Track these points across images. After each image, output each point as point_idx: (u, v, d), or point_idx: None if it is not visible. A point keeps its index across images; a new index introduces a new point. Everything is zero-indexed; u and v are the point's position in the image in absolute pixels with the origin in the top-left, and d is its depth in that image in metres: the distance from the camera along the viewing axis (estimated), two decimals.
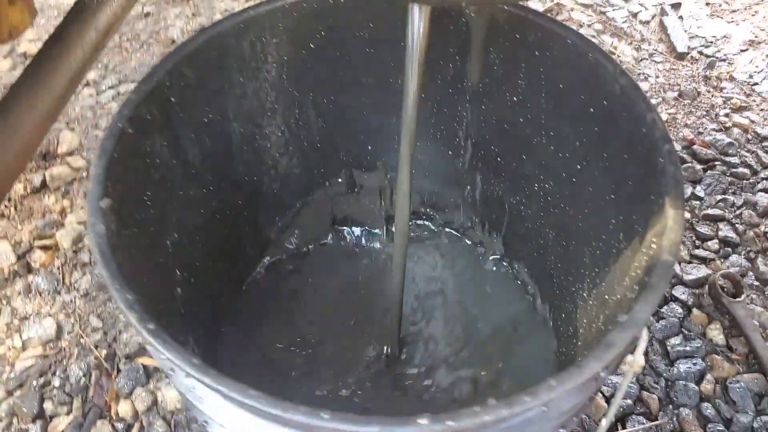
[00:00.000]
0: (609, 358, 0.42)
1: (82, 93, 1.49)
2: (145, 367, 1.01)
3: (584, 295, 0.74)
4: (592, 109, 0.66)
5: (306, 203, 0.95)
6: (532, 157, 0.79)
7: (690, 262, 1.13)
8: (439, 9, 0.69)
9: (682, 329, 1.05)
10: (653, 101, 1.39)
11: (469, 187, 0.92)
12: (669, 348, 1.02)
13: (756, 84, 1.43)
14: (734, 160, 1.29)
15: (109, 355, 1.03)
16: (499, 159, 0.84)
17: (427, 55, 0.59)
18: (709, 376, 0.98)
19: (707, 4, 1.61)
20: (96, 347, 1.04)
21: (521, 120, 0.77)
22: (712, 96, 1.41)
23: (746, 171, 1.27)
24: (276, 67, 0.75)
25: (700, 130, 1.34)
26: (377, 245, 0.99)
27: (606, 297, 0.65)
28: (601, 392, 0.95)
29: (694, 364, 1.00)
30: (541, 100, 0.73)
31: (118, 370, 1.01)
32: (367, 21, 0.74)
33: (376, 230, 1.00)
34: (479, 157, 0.87)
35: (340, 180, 0.96)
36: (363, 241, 0.99)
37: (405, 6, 0.51)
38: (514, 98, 0.76)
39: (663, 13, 1.57)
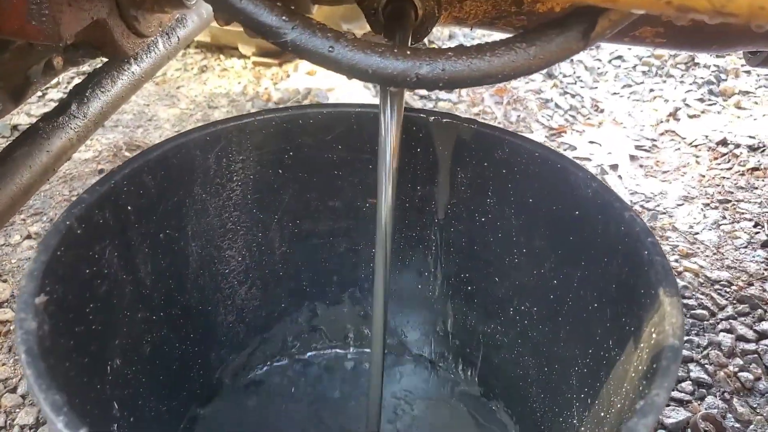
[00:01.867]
0: None
1: (21, 245, 1.42)
2: None
3: (575, 422, 0.67)
4: (564, 219, 0.65)
5: (264, 341, 0.87)
6: (506, 278, 0.76)
7: (668, 405, 1.08)
8: (407, 127, 0.71)
9: None
10: None
11: (440, 318, 0.87)
12: None
13: (697, 233, 1.50)
14: (691, 302, 1.30)
15: None
16: (470, 284, 0.81)
17: (399, 159, 0.58)
18: None
19: (641, 166, 1.75)
20: None
21: (491, 239, 0.76)
22: (661, 244, 1.46)
23: (705, 312, 1.28)
24: (241, 185, 0.73)
25: None
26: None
27: (602, 414, 0.59)
28: None
29: None
30: (511, 216, 0.72)
31: None
32: (336, 142, 0.74)
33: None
34: (450, 284, 0.83)
35: (299, 318, 0.89)
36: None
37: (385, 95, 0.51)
38: (484, 218, 0.75)
39: (603, 172, 1.68)
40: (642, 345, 0.50)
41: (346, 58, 0.45)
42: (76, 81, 1.93)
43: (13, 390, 1.05)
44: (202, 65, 2.16)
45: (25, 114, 1.81)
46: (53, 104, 1.15)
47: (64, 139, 0.81)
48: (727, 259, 1.43)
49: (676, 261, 1.41)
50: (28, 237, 1.43)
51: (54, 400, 0.37)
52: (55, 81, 2.06)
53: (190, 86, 2.04)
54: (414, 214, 0.80)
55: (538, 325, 0.74)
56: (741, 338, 1.22)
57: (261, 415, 0.82)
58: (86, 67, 1.80)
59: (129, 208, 0.61)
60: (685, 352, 1.17)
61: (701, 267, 1.40)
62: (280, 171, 0.75)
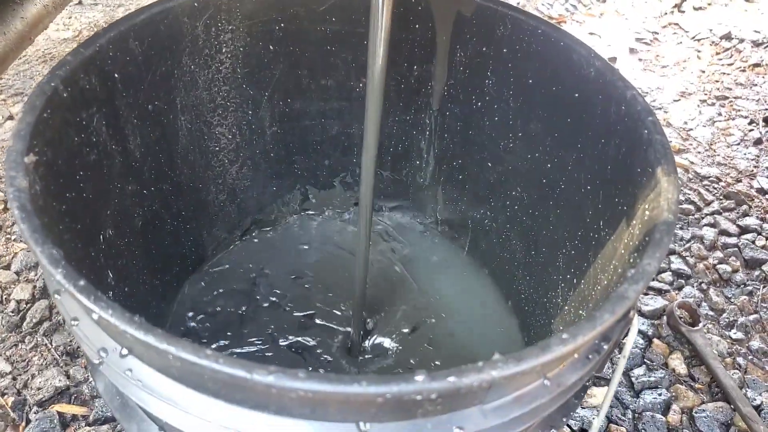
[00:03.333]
0: (621, 311, 0.37)
1: (4, 126, 1.38)
2: (60, 415, 0.87)
3: (558, 301, 0.69)
4: (564, 100, 0.64)
5: (256, 222, 0.88)
6: (499, 162, 0.76)
7: (646, 294, 1.12)
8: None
9: (645, 360, 1.01)
10: None
11: (430, 204, 0.87)
12: (633, 379, 0.98)
13: (691, 129, 1.49)
14: (680, 197, 1.31)
15: (18, 403, 0.89)
16: (462, 170, 0.81)
17: (391, 34, 0.55)
18: (675, 407, 0.95)
19: (640, 59, 1.71)
20: (2, 395, 0.90)
21: (488, 123, 0.74)
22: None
23: (691, 207, 1.29)
24: (231, 58, 0.70)
25: None
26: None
27: (586, 293, 0.61)
28: (570, 428, 0.89)
29: (659, 394, 0.96)
30: (509, 98, 0.71)
31: (28, 421, 0.87)
32: (330, 14, 0.71)
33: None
34: (442, 170, 0.83)
35: (291, 202, 0.89)
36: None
37: None
38: (481, 100, 0.74)
39: None
40: (635, 222, 0.50)
41: None
42: None
43: (7, 267, 1.06)
44: None
45: None
46: None
47: (39, 6, 0.76)
48: (718, 155, 1.44)
49: None
50: (10, 118, 1.39)
51: (51, 254, 0.37)
52: None
53: None
54: (409, 96, 0.78)
55: (528, 209, 0.75)
56: (723, 232, 1.25)
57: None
58: None
59: (116, 75, 0.58)
60: None
61: (692, 163, 1.40)
62: (271, 44, 0.72)
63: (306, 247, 0.87)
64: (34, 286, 1.04)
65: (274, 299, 0.81)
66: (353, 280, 0.68)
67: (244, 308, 0.80)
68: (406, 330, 0.79)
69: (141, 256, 0.68)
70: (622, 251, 0.52)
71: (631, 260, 0.46)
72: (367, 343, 0.77)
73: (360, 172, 0.85)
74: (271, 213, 0.88)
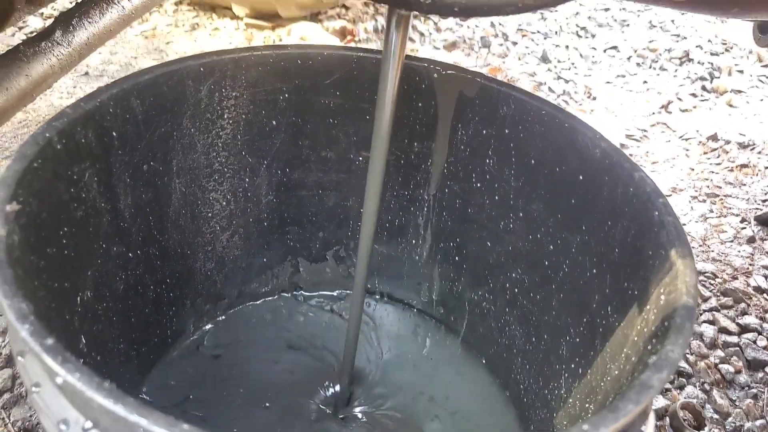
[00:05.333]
0: (646, 401, 0.34)
1: None
2: None
3: (562, 393, 0.65)
4: (567, 180, 0.63)
5: (242, 294, 0.84)
6: (499, 242, 0.74)
7: None
8: (407, 79, 0.67)
9: None
10: None
11: (426, 283, 0.84)
12: None
13: (684, 225, 1.49)
14: None
15: None
16: (461, 249, 0.79)
17: (397, 103, 0.55)
18: None
19: (630, 155, 1.74)
20: None
21: (488, 201, 0.73)
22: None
23: None
24: (232, 124, 0.69)
25: None
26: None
27: (593, 384, 0.57)
28: None
29: None
30: (510, 177, 0.70)
31: None
32: (335, 87, 0.71)
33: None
34: (439, 248, 0.81)
35: (280, 274, 0.86)
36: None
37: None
38: (481, 178, 0.73)
39: None
40: (648, 307, 0.47)
41: None
42: None
43: None
44: (194, 23, 2.09)
45: None
46: None
47: (46, 66, 0.76)
48: (712, 252, 1.43)
49: None
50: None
51: (20, 308, 0.33)
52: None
53: (179, 42, 1.98)
54: (408, 171, 0.77)
55: (529, 293, 0.72)
56: (723, 330, 1.22)
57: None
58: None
59: (113, 132, 0.56)
60: None
61: None
62: (274, 113, 0.71)
63: (289, 331, 0.83)
64: None
65: (251, 385, 0.76)
66: (337, 370, 0.64)
67: (222, 391, 0.74)
68: (393, 420, 0.74)
69: (119, 323, 0.64)
70: (635, 338, 0.48)
71: (649, 347, 0.43)
72: None
73: (355, 246, 0.83)
74: (259, 286, 0.85)
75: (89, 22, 0.86)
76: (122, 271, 0.63)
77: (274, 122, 0.71)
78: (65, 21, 0.83)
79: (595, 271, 0.60)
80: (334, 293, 0.89)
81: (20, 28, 1.96)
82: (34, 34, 0.79)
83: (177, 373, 0.74)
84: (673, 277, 0.45)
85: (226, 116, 0.68)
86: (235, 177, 0.73)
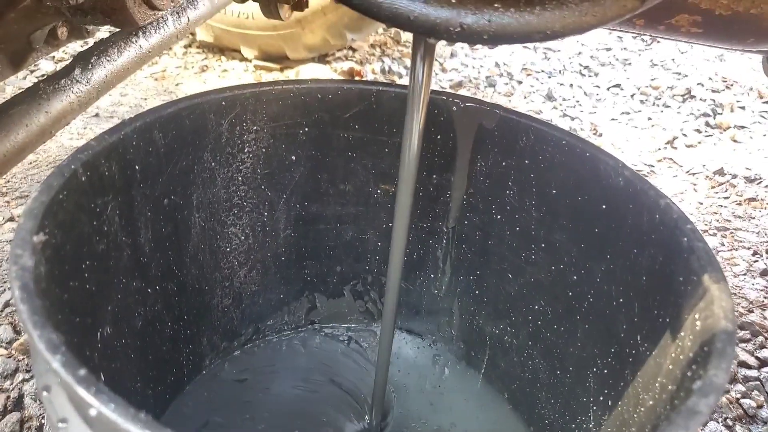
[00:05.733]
0: (694, 427, 0.33)
1: (3, 227, 1.35)
2: None
3: (591, 427, 0.63)
4: (590, 210, 0.63)
5: (258, 331, 0.83)
6: (520, 274, 0.73)
7: None
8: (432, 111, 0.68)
9: None
10: None
11: (445, 318, 0.83)
12: None
13: None
14: None
15: None
16: (481, 281, 0.78)
17: (424, 138, 0.55)
18: None
19: None
20: None
21: (508, 233, 0.72)
22: None
23: None
24: (252, 158, 0.69)
25: None
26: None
27: (626, 416, 0.55)
28: None
29: None
30: (531, 208, 0.69)
31: None
32: (354, 121, 0.71)
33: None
34: (459, 281, 0.80)
35: (297, 310, 0.85)
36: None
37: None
38: (501, 210, 0.72)
39: None
40: (683, 334, 0.46)
41: (388, 2, 0.42)
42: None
43: None
44: (203, 64, 2.13)
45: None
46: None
47: (65, 103, 0.77)
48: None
49: None
50: (11, 219, 1.37)
51: (50, 339, 0.33)
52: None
53: (189, 84, 2.01)
54: (427, 203, 0.77)
55: (552, 325, 0.71)
56: (743, 364, 1.20)
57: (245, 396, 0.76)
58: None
59: (136, 165, 0.57)
60: None
61: None
62: (294, 147, 0.71)
63: (307, 364, 0.82)
64: (8, 397, 0.95)
65: (271, 413, 0.74)
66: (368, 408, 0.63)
67: (242, 417, 0.72)
68: None
69: (137, 360, 0.63)
70: (671, 366, 0.47)
71: (689, 374, 0.42)
72: None
73: (373, 280, 0.82)
74: (275, 323, 0.84)
75: (107, 60, 0.87)
76: (141, 306, 0.63)
77: (293, 156, 0.72)
78: (84, 59, 0.85)
79: (621, 300, 0.59)
80: (352, 326, 0.88)
81: (32, 71, 2.00)
82: (45, 76, 0.80)
83: (195, 409, 0.73)
84: (709, 302, 0.44)
85: (246, 150, 0.68)
86: (254, 211, 0.73)
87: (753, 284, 1.42)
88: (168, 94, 1.96)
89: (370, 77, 2.07)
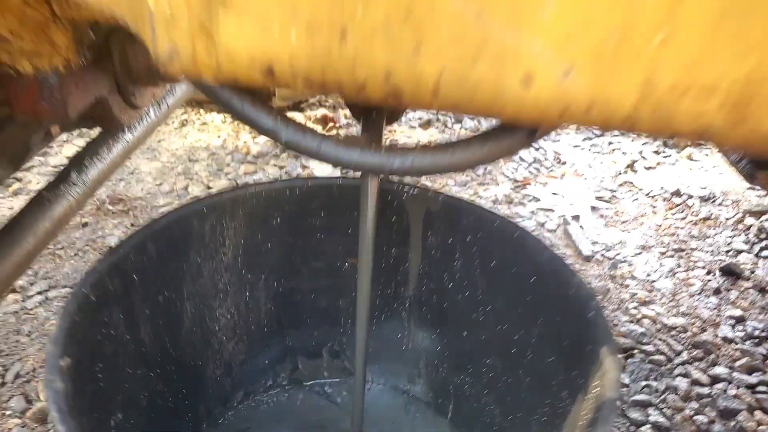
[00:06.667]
0: None
1: (6, 299, 1.45)
2: None
3: None
4: (523, 281, 0.74)
5: (248, 395, 0.93)
6: (473, 333, 0.84)
7: None
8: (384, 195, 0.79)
9: None
10: None
11: (415, 371, 0.94)
12: None
13: (654, 281, 1.60)
14: (650, 348, 1.39)
15: None
16: (441, 338, 0.89)
17: (376, 226, 0.66)
18: None
19: (601, 216, 1.86)
20: None
21: (460, 297, 0.84)
22: (620, 292, 1.56)
23: (662, 358, 1.36)
24: (232, 249, 0.80)
25: (615, 322, 1.46)
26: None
27: None
28: None
29: None
30: (477, 278, 0.81)
31: None
32: (320, 209, 0.82)
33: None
34: (422, 338, 0.91)
35: (282, 372, 0.96)
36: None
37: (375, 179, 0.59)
38: (452, 278, 0.84)
39: (566, 222, 1.79)
40: (588, 396, 0.57)
41: (331, 154, 0.54)
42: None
43: None
44: (183, 119, 2.23)
45: None
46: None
47: (65, 206, 0.87)
48: (682, 306, 1.53)
49: (635, 308, 1.50)
50: (13, 291, 1.46)
51: None
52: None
53: (171, 140, 2.11)
54: (389, 273, 0.88)
55: (502, 376, 0.82)
56: (696, 382, 1.31)
57: None
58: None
59: (134, 275, 0.67)
60: (643, 397, 1.25)
61: (658, 314, 1.49)
62: (268, 235, 0.82)
63: (292, 421, 0.92)
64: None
65: None
66: None
67: None
68: None
69: None
70: (581, 423, 0.58)
71: None
72: None
73: (347, 341, 0.93)
74: (263, 384, 0.94)
75: (99, 160, 0.98)
76: (145, 389, 0.73)
77: (268, 243, 0.83)
78: (78, 162, 0.95)
79: (552, 359, 0.70)
80: (330, 381, 0.98)
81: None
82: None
83: None
84: (603, 372, 0.55)
85: (227, 243, 0.79)
86: (237, 293, 0.83)
87: (707, 303, 1.54)
88: (151, 151, 2.06)
89: (343, 122, 2.19)
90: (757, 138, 0.38)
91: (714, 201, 1.96)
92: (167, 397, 0.78)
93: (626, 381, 1.30)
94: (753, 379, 1.33)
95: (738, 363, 1.37)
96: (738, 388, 1.30)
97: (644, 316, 1.48)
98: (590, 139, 2.29)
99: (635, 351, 1.37)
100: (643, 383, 1.29)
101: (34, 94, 0.78)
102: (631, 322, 1.46)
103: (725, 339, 1.43)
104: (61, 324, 0.54)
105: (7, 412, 1.14)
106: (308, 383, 0.97)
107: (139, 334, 0.70)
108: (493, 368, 0.83)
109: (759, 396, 1.29)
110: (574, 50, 0.37)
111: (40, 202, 0.86)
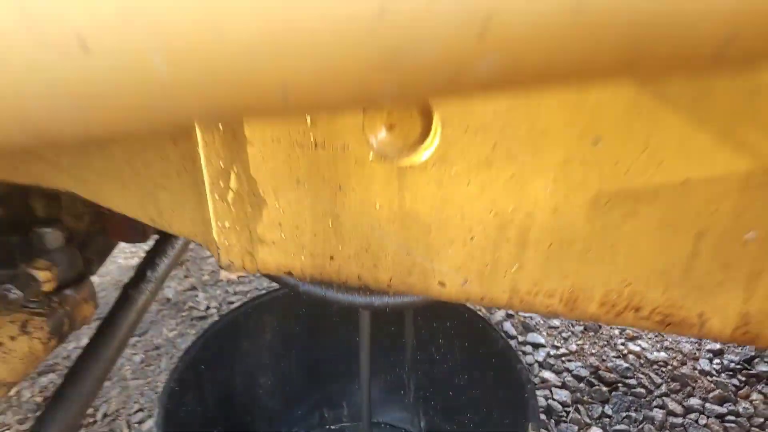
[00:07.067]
0: None
1: None
2: None
3: None
4: (487, 360, 0.98)
5: None
6: (457, 393, 1.09)
7: None
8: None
9: None
10: (564, 335, 1.74)
11: (416, 417, 1.19)
12: None
13: None
14: (632, 381, 1.60)
15: None
16: (434, 396, 1.14)
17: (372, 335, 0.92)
18: None
19: None
20: None
21: (444, 368, 1.08)
22: (611, 328, 1.77)
23: (643, 390, 1.57)
24: (271, 334, 1.07)
25: (603, 357, 1.67)
26: None
27: None
28: None
29: None
30: (455, 355, 1.05)
31: None
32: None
33: None
34: (419, 395, 1.16)
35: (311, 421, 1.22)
36: None
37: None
38: (437, 355, 1.08)
39: None
40: None
41: (336, 298, 0.79)
42: None
43: None
44: None
45: None
46: None
47: (144, 300, 1.16)
48: (666, 340, 1.73)
49: (623, 344, 1.71)
50: None
51: None
52: None
53: None
54: (392, 348, 1.14)
55: (479, 426, 1.06)
56: (671, 413, 1.51)
57: None
58: None
59: (203, 366, 0.94)
60: (623, 427, 1.46)
61: (643, 349, 1.70)
62: (298, 322, 1.09)
63: None
64: None
65: None
66: None
67: None
68: None
69: None
70: None
71: None
72: None
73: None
74: (299, 427, 1.21)
75: (166, 257, 1.26)
76: None
77: (298, 328, 1.09)
78: (151, 262, 1.23)
79: (509, 419, 0.94)
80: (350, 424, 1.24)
81: None
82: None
83: None
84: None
85: (267, 330, 1.06)
86: (275, 366, 1.10)
87: (689, 338, 1.74)
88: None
89: None
90: (584, 316, 0.62)
91: None
92: None
93: (609, 412, 1.52)
94: (723, 409, 1.53)
95: (711, 394, 1.56)
96: (708, 417, 1.50)
97: (630, 351, 1.69)
98: None
99: (619, 384, 1.59)
100: (624, 414, 1.51)
101: (125, 226, 1.07)
102: (618, 357, 1.67)
103: (702, 372, 1.63)
104: (159, 412, 0.81)
105: None
106: (333, 427, 1.24)
107: (207, 405, 0.97)
108: (474, 420, 1.07)
109: (727, 425, 1.49)
110: (467, 271, 0.61)
111: (126, 297, 1.14)
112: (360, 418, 1.23)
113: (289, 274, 0.67)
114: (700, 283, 0.55)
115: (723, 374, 1.63)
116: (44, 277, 0.87)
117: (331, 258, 0.65)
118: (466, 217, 0.56)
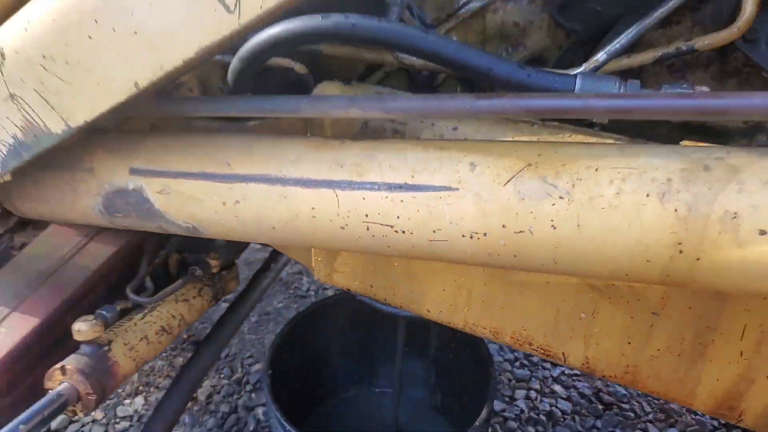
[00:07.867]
0: None
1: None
2: None
3: None
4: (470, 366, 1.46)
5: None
6: (455, 379, 1.58)
7: None
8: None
9: None
10: None
11: (434, 394, 1.70)
12: None
13: None
14: (626, 406, 1.98)
15: None
16: (443, 381, 1.63)
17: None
18: None
19: None
20: None
21: (452, 362, 1.57)
22: None
23: (632, 415, 1.95)
24: (342, 322, 1.61)
25: (608, 383, 2.06)
26: None
27: None
28: None
29: None
30: (457, 354, 1.54)
31: None
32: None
33: None
34: (438, 378, 1.66)
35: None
36: None
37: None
38: (450, 354, 1.57)
39: None
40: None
41: (380, 308, 1.31)
42: None
43: None
44: None
45: None
46: None
47: (266, 284, 1.74)
48: None
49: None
50: None
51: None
52: None
53: None
54: (418, 348, 1.64)
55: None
56: None
57: None
58: None
59: (296, 337, 1.50)
60: None
61: None
62: (349, 320, 1.62)
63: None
64: None
65: None
66: None
67: None
68: None
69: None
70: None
71: None
72: None
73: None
74: (355, 386, 1.75)
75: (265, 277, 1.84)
76: (306, 383, 1.57)
77: (350, 325, 1.62)
78: (256, 279, 1.82)
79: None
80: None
81: None
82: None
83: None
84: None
85: (336, 323, 1.60)
86: (337, 350, 1.64)
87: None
88: None
89: None
90: (503, 342, 1.09)
91: None
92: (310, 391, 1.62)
93: (599, 425, 1.92)
94: None
95: (689, 428, 1.91)
96: None
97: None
98: None
99: (614, 406, 1.98)
100: (611, 429, 1.91)
101: None
102: (620, 384, 2.06)
103: (690, 410, 1.96)
104: (267, 357, 1.37)
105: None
106: (376, 389, 1.77)
107: (297, 361, 1.53)
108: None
109: None
110: (441, 306, 1.11)
111: (256, 279, 1.73)
112: (394, 387, 1.76)
113: (349, 289, 1.21)
114: (561, 335, 1.01)
115: (707, 417, 1.96)
116: (214, 263, 1.46)
117: (375, 277, 1.17)
118: (441, 278, 1.06)
